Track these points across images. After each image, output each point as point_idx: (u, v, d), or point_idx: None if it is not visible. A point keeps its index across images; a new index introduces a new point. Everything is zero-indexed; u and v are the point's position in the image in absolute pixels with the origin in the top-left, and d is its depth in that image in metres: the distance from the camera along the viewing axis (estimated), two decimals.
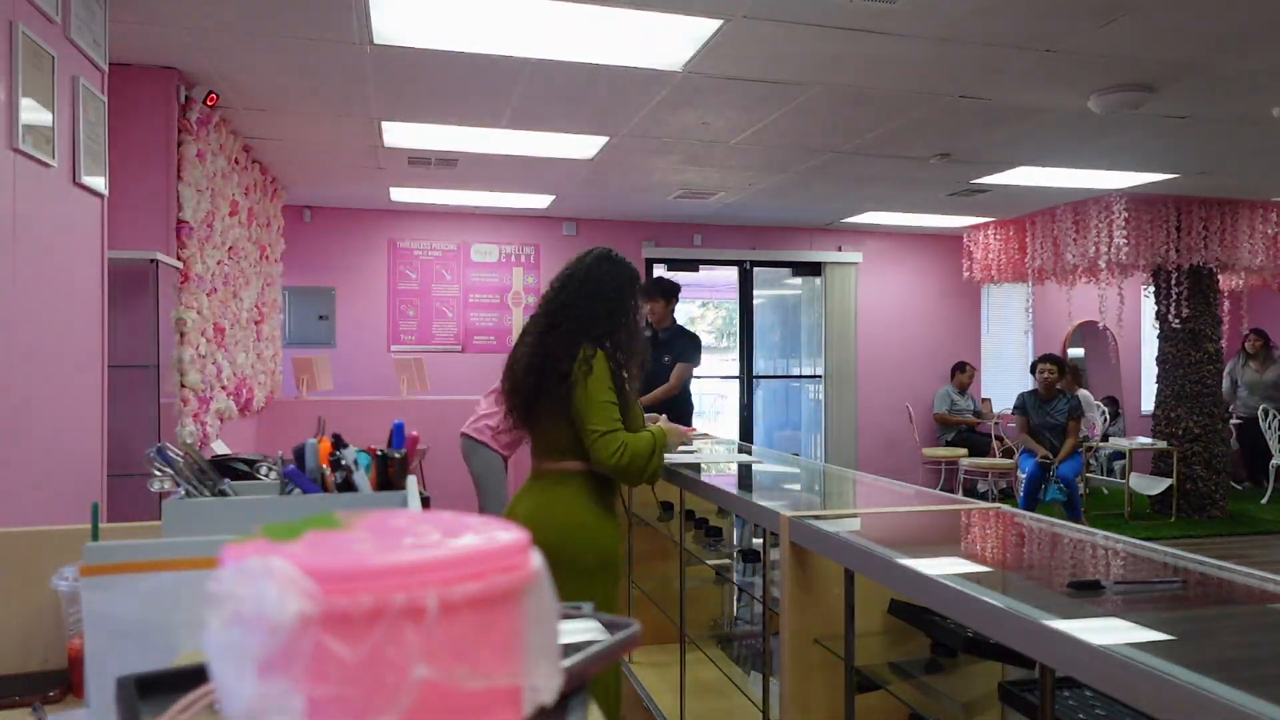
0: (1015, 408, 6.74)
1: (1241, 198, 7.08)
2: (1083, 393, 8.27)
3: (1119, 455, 7.99)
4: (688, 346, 4.89)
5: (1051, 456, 6.36)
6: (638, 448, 2.26)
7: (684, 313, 4.98)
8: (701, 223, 8.26)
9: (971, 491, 8.02)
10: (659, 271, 8.25)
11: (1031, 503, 6.29)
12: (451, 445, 5.84)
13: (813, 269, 8.69)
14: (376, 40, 3.61)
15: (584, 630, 0.69)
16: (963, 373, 8.57)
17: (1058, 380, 6.52)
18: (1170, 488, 7.31)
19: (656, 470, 2.33)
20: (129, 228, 3.77)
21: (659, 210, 7.62)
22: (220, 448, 4.26)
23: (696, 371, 5.05)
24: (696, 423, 4.80)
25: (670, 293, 4.84)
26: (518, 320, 7.82)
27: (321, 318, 7.50)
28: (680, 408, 4.74)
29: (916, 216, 7.87)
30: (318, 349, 7.20)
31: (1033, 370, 6.64)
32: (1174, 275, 7.18)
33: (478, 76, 4.06)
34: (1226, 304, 7.78)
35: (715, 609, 3.22)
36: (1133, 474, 7.54)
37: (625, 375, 2.32)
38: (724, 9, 3.27)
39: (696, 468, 2.72)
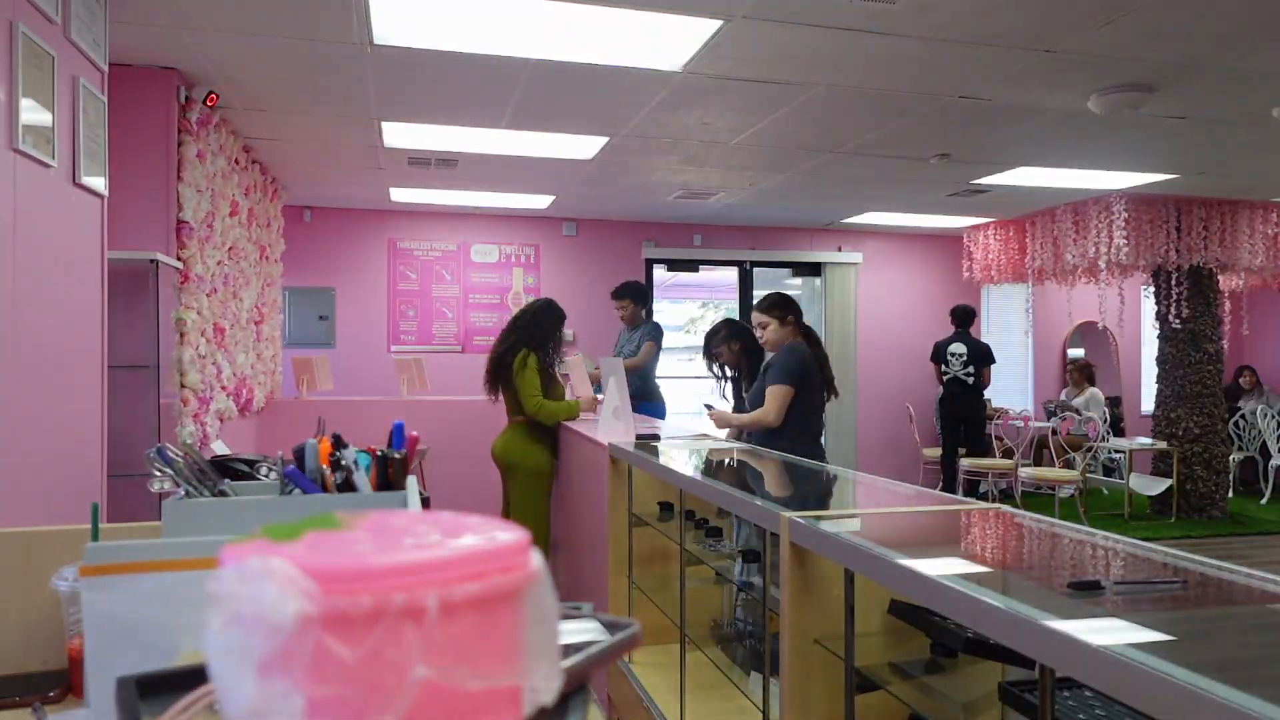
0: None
1: (1241, 198, 7.08)
2: (1093, 390, 8.27)
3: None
4: (651, 331, 5.84)
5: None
6: (552, 407, 4.22)
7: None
8: (701, 223, 8.26)
9: (971, 491, 8.02)
10: (659, 272, 8.58)
11: None
12: (451, 445, 5.84)
13: (813, 269, 8.70)
14: (376, 40, 3.61)
15: (584, 630, 0.69)
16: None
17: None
18: (1170, 488, 7.31)
19: (565, 417, 4.24)
20: (129, 228, 3.77)
21: (659, 210, 7.62)
22: (220, 448, 4.25)
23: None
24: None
25: (638, 296, 5.92)
26: None
27: (321, 318, 7.50)
28: (649, 391, 5.70)
29: (916, 216, 7.88)
30: (318, 349, 7.20)
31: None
32: (1174, 275, 7.18)
33: (478, 76, 4.06)
34: (1227, 304, 7.78)
35: (715, 609, 3.21)
36: (1133, 474, 7.54)
37: (550, 369, 4.30)
38: (724, 9, 3.27)
39: (700, 469, 2.72)
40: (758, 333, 3.89)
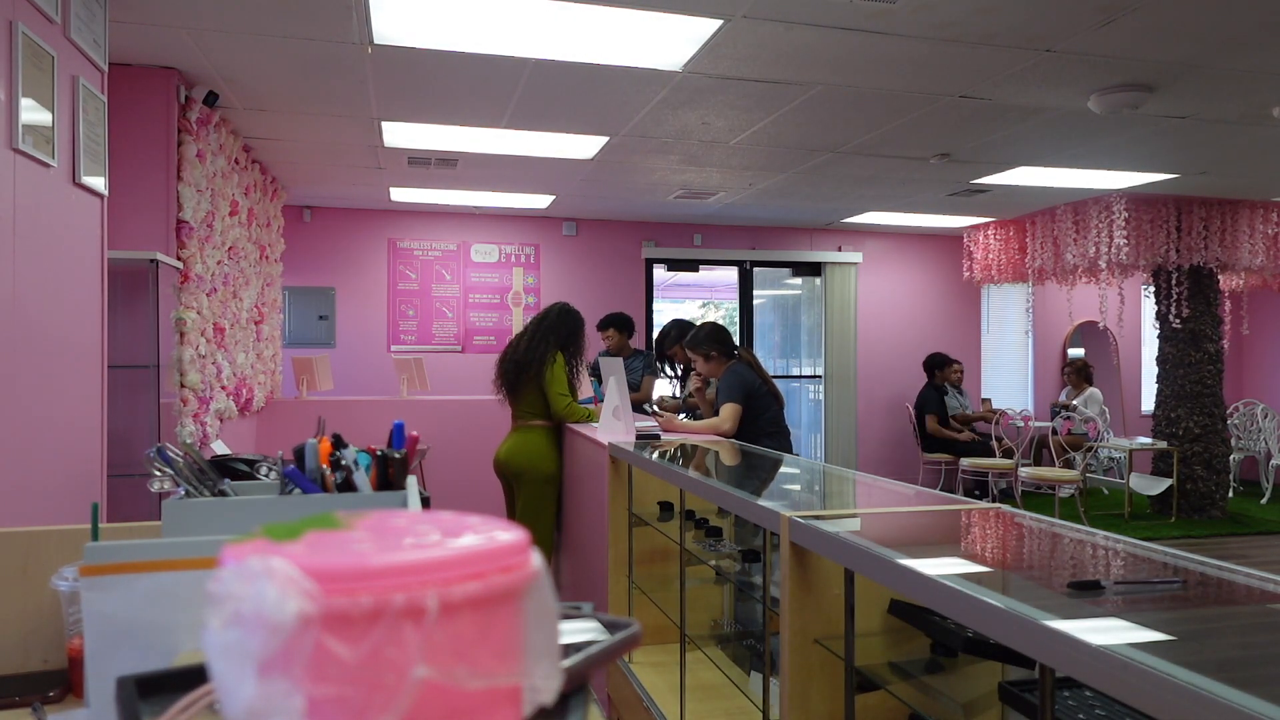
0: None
1: (1241, 198, 7.08)
2: (1092, 390, 8.26)
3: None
4: (648, 364, 5.78)
5: None
6: (578, 409, 4.16)
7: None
8: (701, 223, 8.26)
9: (971, 491, 8.02)
10: (659, 272, 8.59)
11: None
12: (451, 445, 5.85)
13: (813, 269, 8.69)
14: (376, 40, 3.61)
15: (584, 630, 0.69)
16: (948, 368, 8.42)
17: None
18: (1170, 488, 7.31)
19: (583, 420, 4.11)
20: (129, 228, 3.77)
21: (659, 210, 7.62)
22: (220, 448, 4.25)
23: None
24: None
25: (623, 326, 5.83)
26: (518, 320, 7.84)
27: (321, 318, 7.50)
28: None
29: (916, 216, 7.87)
30: (318, 349, 7.20)
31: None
32: (1174, 275, 7.18)
33: (478, 76, 4.06)
34: (1227, 304, 7.78)
35: (715, 609, 3.22)
36: (1133, 474, 7.54)
37: (575, 372, 4.25)
38: (724, 9, 3.27)
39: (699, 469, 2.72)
40: (695, 363, 4.35)
